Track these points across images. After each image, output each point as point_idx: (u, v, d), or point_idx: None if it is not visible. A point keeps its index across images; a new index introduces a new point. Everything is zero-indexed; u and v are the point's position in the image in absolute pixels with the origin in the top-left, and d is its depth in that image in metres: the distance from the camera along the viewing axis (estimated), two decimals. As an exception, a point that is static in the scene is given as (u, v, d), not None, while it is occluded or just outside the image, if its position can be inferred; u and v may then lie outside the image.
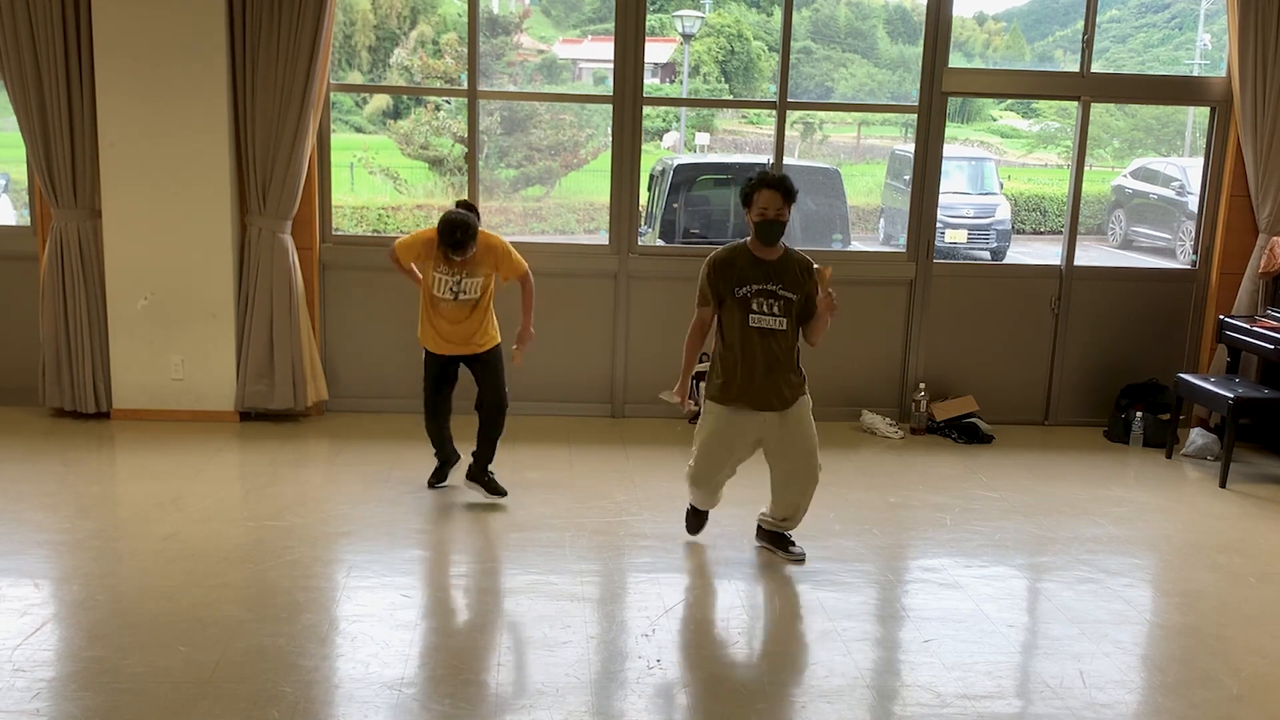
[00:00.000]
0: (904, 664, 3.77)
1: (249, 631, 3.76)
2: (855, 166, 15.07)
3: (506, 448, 5.42)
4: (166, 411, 6.19)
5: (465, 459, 5.29)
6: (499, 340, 5.14)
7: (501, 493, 5.13)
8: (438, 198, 11.44)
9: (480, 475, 5.14)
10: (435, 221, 4.99)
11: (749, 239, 4.34)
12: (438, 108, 11.73)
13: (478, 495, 5.15)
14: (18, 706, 3.25)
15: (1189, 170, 12.34)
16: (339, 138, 9.37)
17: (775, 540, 4.62)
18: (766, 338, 4.27)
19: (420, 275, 5.11)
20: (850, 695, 3.52)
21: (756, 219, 4.25)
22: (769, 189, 4.23)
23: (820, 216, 9.41)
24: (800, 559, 4.53)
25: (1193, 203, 8.28)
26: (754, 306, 4.26)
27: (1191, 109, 10.98)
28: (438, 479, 5.32)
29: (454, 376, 5.20)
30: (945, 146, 6.56)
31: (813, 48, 14.69)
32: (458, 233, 4.80)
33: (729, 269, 4.32)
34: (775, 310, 4.27)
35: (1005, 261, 11.11)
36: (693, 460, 4.51)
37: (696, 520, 4.74)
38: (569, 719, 3.30)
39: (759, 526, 4.69)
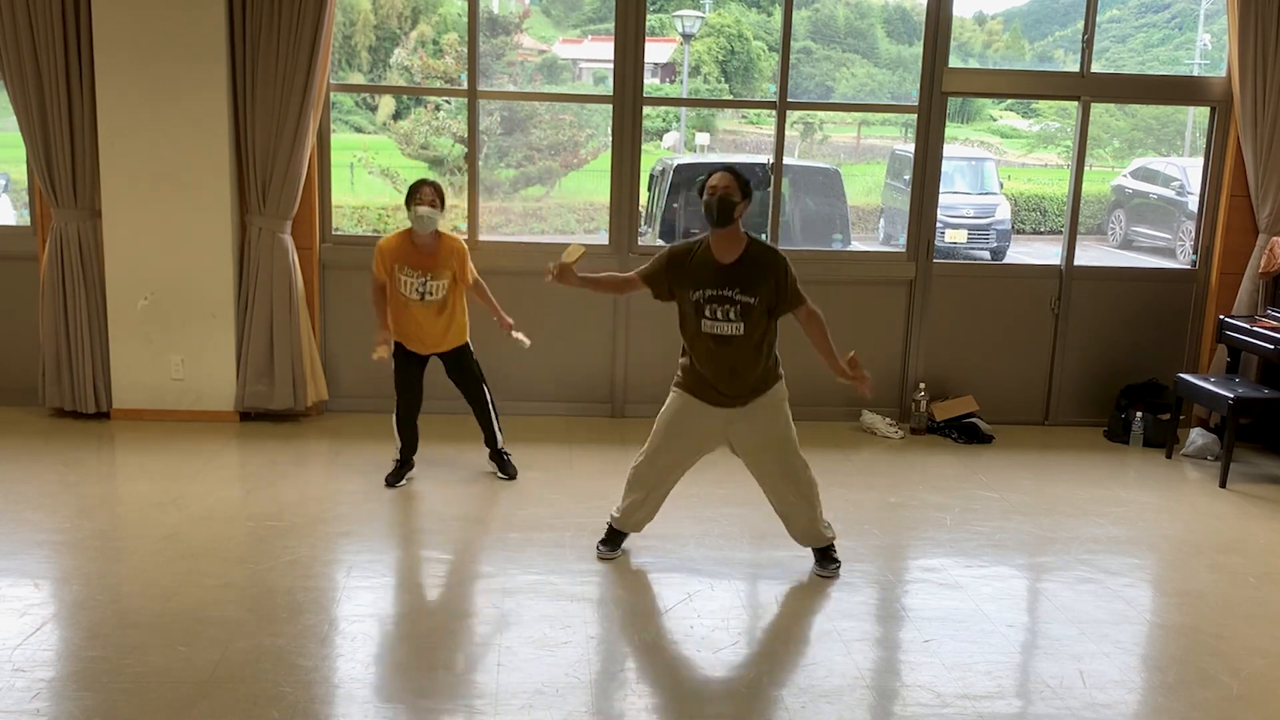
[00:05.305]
0: (904, 664, 3.76)
1: (249, 631, 3.76)
2: (855, 166, 15.05)
3: (507, 447, 5.45)
4: (166, 411, 6.20)
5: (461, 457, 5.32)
6: (467, 339, 5.33)
7: (511, 475, 5.42)
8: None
9: (497, 455, 5.46)
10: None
11: (709, 234, 4.20)
12: (438, 108, 11.71)
13: (495, 472, 5.51)
14: (18, 706, 3.25)
15: (1189, 170, 12.33)
16: (339, 138, 9.34)
17: (818, 556, 4.49)
18: (723, 344, 4.14)
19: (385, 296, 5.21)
20: (850, 695, 3.52)
21: (706, 197, 4.12)
22: (719, 171, 4.18)
23: (820, 216, 9.41)
24: (829, 575, 4.39)
25: (1193, 203, 8.28)
26: (707, 313, 4.13)
27: (1191, 109, 10.97)
28: (396, 478, 5.31)
29: (423, 367, 5.34)
30: (945, 146, 6.57)
31: (813, 48, 14.67)
32: (425, 183, 5.04)
33: (683, 266, 4.19)
34: (731, 316, 4.11)
35: (1005, 261, 11.11)
36: (644, 448, 4.40)
37: (609, 545, 4.54)
38: (569, 719, 3.30)
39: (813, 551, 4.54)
